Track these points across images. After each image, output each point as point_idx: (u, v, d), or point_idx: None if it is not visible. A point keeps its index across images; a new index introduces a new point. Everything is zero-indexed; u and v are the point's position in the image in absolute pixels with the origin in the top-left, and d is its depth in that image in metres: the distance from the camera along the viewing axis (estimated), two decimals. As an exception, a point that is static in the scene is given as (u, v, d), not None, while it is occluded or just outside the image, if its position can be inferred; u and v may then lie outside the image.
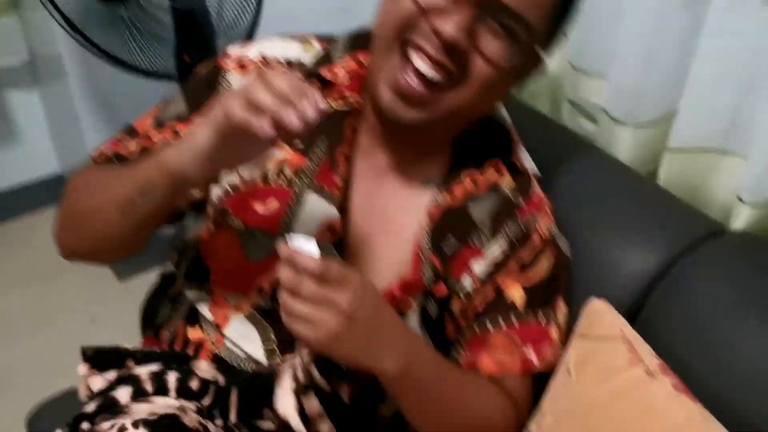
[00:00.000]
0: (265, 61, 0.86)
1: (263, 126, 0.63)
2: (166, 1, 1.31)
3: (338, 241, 0.83)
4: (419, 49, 0.73)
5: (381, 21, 0.76)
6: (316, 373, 0.80)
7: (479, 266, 0.84)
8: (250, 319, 0.87)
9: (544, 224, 0.88)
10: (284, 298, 0.67)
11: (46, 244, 2.13)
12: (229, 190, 0.84)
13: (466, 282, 0.84)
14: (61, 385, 1.03)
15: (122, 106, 1.82)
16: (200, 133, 0.69)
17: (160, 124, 0.87)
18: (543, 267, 0.87)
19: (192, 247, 0.91)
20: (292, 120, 0.62)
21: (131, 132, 0.89)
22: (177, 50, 1.39)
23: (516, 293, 0.85)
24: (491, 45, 0.73)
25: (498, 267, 0.85)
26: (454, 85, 0.74)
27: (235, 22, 1.33)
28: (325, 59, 0.86)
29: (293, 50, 0.88)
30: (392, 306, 0.78)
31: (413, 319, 0.85)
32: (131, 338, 0.97)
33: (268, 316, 0.86)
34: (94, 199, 0.82)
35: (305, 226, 0.82)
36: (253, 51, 0.87)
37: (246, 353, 0.87)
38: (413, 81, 0.73)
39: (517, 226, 0.85)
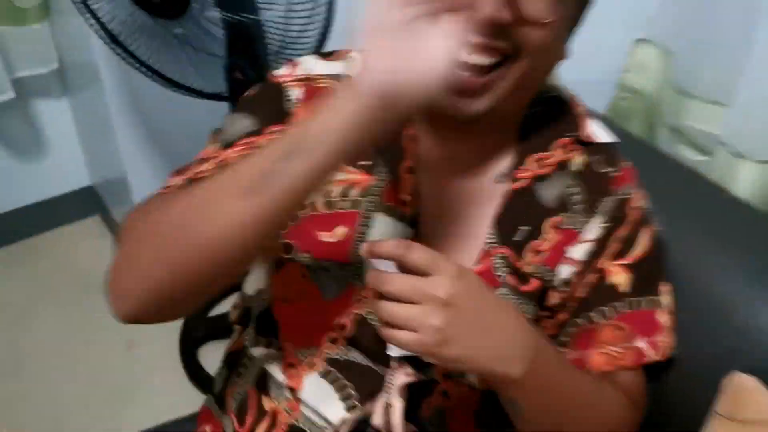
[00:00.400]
0: (316, 77, 0.77)
1: None
2: (219, 15, 1.19)
3: None
4: (472, 50, 0.63)
5: None
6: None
7: (576, 251, 0.75)
8: (325, 376, 0.78)
9: (638, 197, 0.79)
10: (376, 307, 0.60)
11: (76, 260, 2.06)
12: (297, 217, 0.74)
13: (564, 270, 0.76)
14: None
15: (158, 116, 1.72)
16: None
17: (228, 144, 0.75)
18: (644, 245, 0.78)
19: (258, 298, 0.82)
20: None
21: (197, 162, 0.76)
22: (228, 67, 1.28)
23: (620, 277, 0.77)
24: (532, 4, 0.63)
25: (597, 249, 0.76)
26: (509, 60, 0.65)
27: (301, 34, 1.22)
28: None
29: (336, 66, 0.78)
30: None
31: None
32: (170, 366, 0.86)
33: (346, 369, 0.77)
34: (181, 207, 0.63)
35: None
36: (299, 70, 0.78)
37: (325, 419, 0.78)
38: (464, 74, 0.64)
39: (613, 202, 0.76)
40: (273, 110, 0.75)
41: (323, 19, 1.19)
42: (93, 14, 1.21)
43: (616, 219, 0.76)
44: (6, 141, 1.93)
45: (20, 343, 1.78)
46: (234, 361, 0.88)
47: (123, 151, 1.76)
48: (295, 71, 0.78)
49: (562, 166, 0.76)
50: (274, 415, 0.80)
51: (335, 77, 0.77)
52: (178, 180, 0.74)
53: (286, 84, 0.77)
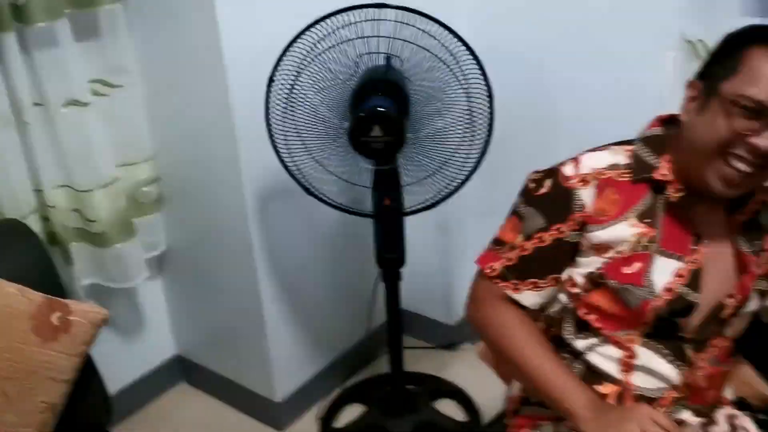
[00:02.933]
0: (600, 172, 1.18)
1: None
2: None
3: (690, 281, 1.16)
4: (741, 159, 1.07)
5: (700, 137, 1.10)
6: None
7: None
8: (646, 345, 1.19)
9: None
10: None
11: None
12: (606, 260, 1.19)
13: None
14: None
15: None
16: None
17: (528, 237, 1.21)
18: None
19: (569, 311, 1.25)
20: None
21: (501, 243, 1.24)
22: (378, 196, 1.78)
23: None
24: None
25: None
26: (760, 171, 1.08)
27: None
28: (645, 164, 1.19)
29: (607, 158, 1.20)
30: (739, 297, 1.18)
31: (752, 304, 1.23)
32: None
33: (658, 337, 1.18)
34: (508, 357, 1.21)
35: (661, 276, 1.15)
36: (583, 167, 1.19)
37: (661, 373, 1.18)
38: (735, 175, 1.08)
39: None
40: (560, 212, 1.18)
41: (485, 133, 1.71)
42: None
43: None
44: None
45: None
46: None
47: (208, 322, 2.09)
48: (579, 169, 1.18)
49: (765, 204, 1.22)
50: (620, 395, 1.20)
51: (613, 167, 1.19)
52: (496, 263, 1.24)
53: (575, 187, 1.17)
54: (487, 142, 1.68)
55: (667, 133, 1.21)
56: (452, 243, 2.39)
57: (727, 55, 1.12)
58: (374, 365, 2.42)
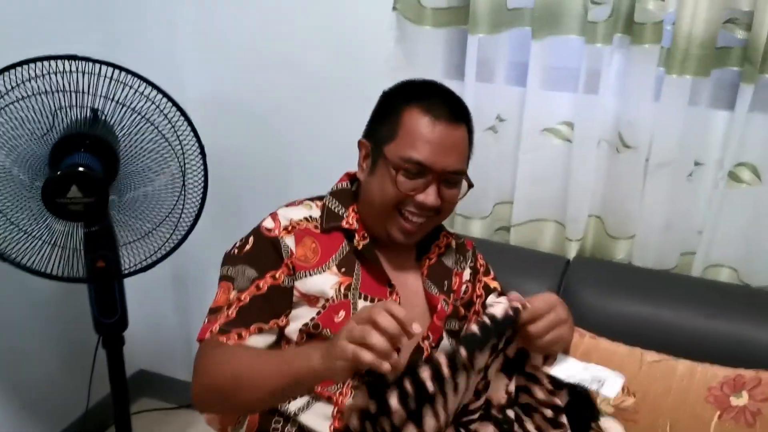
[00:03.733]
0: (297, 222, 1.23)
1: (385, 366, 0.89)
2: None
3: None
4: (413, 214, 1.20)
5: (375, 196, 1.21)
6: None
7: (464, 277, 1.36)
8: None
9: (479, 255, 1.43)
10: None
11: None
12: (320, 310, 1.20)
13: (463, 288, 1.34)
14: None
15: None
16: (335, 366, 0.94)
17: (243, 290, 1.18)
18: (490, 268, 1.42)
19: None
20: (399, 363, 0.91)
21: (216, 310, 1.20)
22: (90, 259, 1.64)
23: (494, 282, 1.38)
24: (450, 193, 1.22)
25: (475, 274, 1.37)
26: (433, 218, 1.23)
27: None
28: (334, 215, 1.26)
29: (303, 211, 1.26)
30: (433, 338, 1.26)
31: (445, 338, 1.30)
32: None
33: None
34: (243, 383, 1.07)
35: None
36: (282, 219, 1.23)
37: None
38: (412, 227, 1.22)
39: (471, 255, 1.39)
40: (271, 260, 1.19)
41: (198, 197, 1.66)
42: None
43: (474, 259, 1.39)
44: None
45: None
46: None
47: None
48: (279, 222, 1.22)
49: (449, 246, 1.35)
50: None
51: (308, 219, 1.25)
52: (215, 327, 1.16)
53: (279, 236, 1.21)
54: (203, 200, 1.63)
55: (353, 188, 1.29)
56: (190, 298, 2.30)
57: (387, 116, 1.22)
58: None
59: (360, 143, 1.26)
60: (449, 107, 1.21)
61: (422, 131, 1.18)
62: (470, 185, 1.25)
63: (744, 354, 1.38)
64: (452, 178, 1.21)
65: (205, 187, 1.62)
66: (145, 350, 2.30)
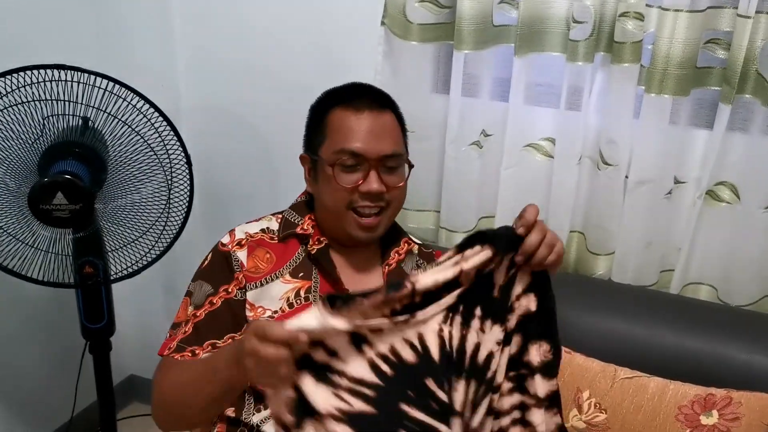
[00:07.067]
0: (252, 235, 1.27)
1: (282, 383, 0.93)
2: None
3: None
4: (365, 206, 1.22)
5: (330, 200, 1.23)
6: None
7: None
8: None
9: None
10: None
11: None
12: (273, 317, 1.22)
13: None
14: None
15: None
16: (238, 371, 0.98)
17: (199, 306, 1.23)
18: None
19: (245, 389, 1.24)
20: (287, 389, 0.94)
21: (176, 325, 1.23)
22: (78, 265, 1.67)
23: None
24: (392, 178, 1.24)
25: None
26: (386, 208, 1.25)
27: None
28: (291, 224, 1.30)
29: (260, 225, 1.30)
30: None
31: None
32: None
33: None
34: (186, 396, 1.13)
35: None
36: (238, 234, 1.27)
37: None
38: (369, 220, 1.24)
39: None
40: (223, 275, 1.23)
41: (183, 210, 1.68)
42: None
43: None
44: None
45: None
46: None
47: None
48: (234, 237, 1.26)
49: (411, 252, 1.35)
50: None
51: (264, 231, 1.28)
52: (172, 343, 1.19)
53: (231, 250, 1.24)
54: (188, 210, 1.66)
55: (309, 200, 1.33)
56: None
57: (317, 124, 1.27)
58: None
59: (301, 158, 1.31)
60: (370, 97, 1.26)
61: (349, 124, 1.22)
62: (410, 165, 1.28)
63: (717, 372, 1.38)
64: (390, 162, 1.24)
65: (191, 197, 1.65)
66: (135, 356, 2.32)
